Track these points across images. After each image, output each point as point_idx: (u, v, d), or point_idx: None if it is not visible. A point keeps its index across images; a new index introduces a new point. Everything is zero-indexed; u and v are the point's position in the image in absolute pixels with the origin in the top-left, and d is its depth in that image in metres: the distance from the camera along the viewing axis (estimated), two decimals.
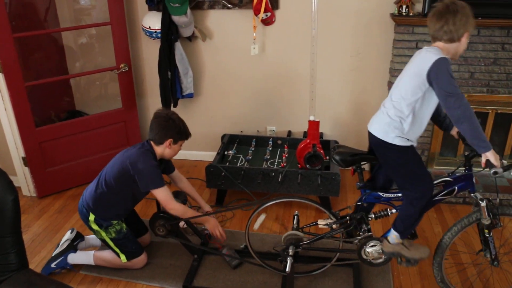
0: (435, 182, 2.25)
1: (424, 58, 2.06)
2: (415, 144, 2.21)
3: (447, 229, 2.37)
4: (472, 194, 2.21)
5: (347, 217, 2.46)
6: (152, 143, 2.59)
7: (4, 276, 2.06)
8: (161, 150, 2.59)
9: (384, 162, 2.30)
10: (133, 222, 2.82)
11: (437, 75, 1.98)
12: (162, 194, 2.53)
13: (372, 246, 2.41)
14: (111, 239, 2.64)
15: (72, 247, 2.79)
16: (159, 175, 2.53)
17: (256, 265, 2.72)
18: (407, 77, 2.15)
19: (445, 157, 3.62)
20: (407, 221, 2.26)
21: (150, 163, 2.51)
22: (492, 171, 2.01)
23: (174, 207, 2.55)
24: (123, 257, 2.69)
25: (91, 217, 2.60)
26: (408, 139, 2.16)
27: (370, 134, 2.28)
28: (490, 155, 1.97)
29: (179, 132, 2.57)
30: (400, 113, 2.14)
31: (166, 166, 2.79)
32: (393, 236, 2.33)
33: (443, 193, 2.23)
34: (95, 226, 2.62)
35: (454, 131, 2.33)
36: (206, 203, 2.96)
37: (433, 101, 2.11)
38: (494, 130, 3.47)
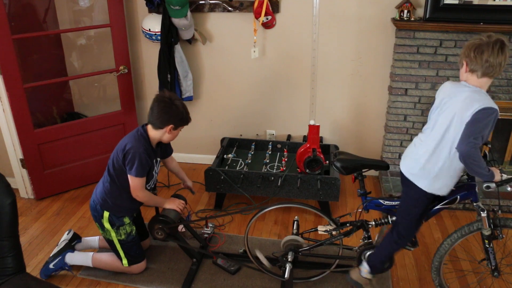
0: None
1: (468, 101, 1.99)
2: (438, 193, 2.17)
3: (446, 235, 2.36)
4: (475, 204, 2.19)
5: (347, 224, 2.45)
6: (149, 126, 2.51)
7: (0, 280, 2.04)
8: (160, 134, 2.50)
9: (404, 194, 2.28)
10: (137, 225, 2.80)
11: (482, 120, 1.94)
12: (134, 183, 2.49)
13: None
14: (119, 241, 2.62)
15: (70, 246, 2.77)
16: (144, 164, 2.45)
17: (255, 270, 2.70)
18: (448, 120, 2.04)
19: None
20: (385, 254, 2.32)
21: (139, 148, 2.44)
22: (484, 185, 2.05)
23: (140, 195, 2.53)
24: (125, 261, 2.67)
25: (106, 214, 2.57)
26: (436, 188, 2.14)
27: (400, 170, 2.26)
28: (496, 178, 2.03)
29: (181, 118, 2.49)
30: (436, 161, 2.09)
31: (165, 149, 2.73)
32: (365, 270, 2.37)
33: (445, 201, 2.21)
34: (107, 225, 2.59)
35: None
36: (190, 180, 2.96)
37: None
38: (494, 136, 3.46)
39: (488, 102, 1.94)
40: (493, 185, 2.03)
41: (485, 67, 1.96)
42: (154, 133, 2.51)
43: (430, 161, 2.09)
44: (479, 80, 2.01)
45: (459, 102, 2.01)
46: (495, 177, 2.02)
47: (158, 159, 2.65)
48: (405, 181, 2.21)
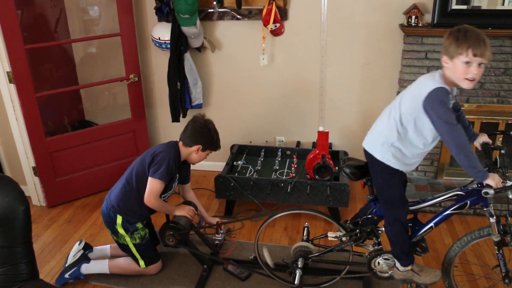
0: (447, 195, 2.22)
1: (423, 83, 2.04)
2: (405, 170, 2.19)
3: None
4: (485, 209, 2.17)
5: (357, 230, 2.44)
6: (180, 143, 2.66)
7: (14, 287, 2.06)
8: (188, 152, 2.66)
9: (373, 177, 2.30)
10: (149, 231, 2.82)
11: (432, 105, 1.96)
12: (154, 186, 2.52)
13: (384, 259, 2.39)
14: (135, 245, 2.66)
15: (85, 257, 2.79)
16: (169, 170, 2.53)
17: (265, 276, 2.71)
18: (405, 98, 2.10)
19: (455, 168, 3.59)
20: (396, 242, 2.28)
21: (169, 153, 2.56)
22: (483, 190, 2.04)
23: (152, 201, 2.55)
24: (142, 263, 2.71)
25: (119, 219, 2.61)
26: (397, 162, 2.15)
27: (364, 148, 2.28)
28: (490, 181, 1.99)
29: (210, 142, 2.65)
30: (392, 134, 2.12)
31: (185, 174, 2.83)
32: (398, 264, 2.34)
33: (455, 207, 2.19)
34: (121, 230, 2.63)
35: (477, 143, 2.27)
36: (208, 216, 3.04)
37: (426, 129, 2.06)
38: (504, 140, 3.44)
39: (430, 85, 1.96)
40: (491, 191, 2.01)
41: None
42: (183, 150, 2.66)
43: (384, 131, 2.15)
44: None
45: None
46: (488, 179, 1.99)
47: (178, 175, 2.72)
48: (370, 162, 2.24)
